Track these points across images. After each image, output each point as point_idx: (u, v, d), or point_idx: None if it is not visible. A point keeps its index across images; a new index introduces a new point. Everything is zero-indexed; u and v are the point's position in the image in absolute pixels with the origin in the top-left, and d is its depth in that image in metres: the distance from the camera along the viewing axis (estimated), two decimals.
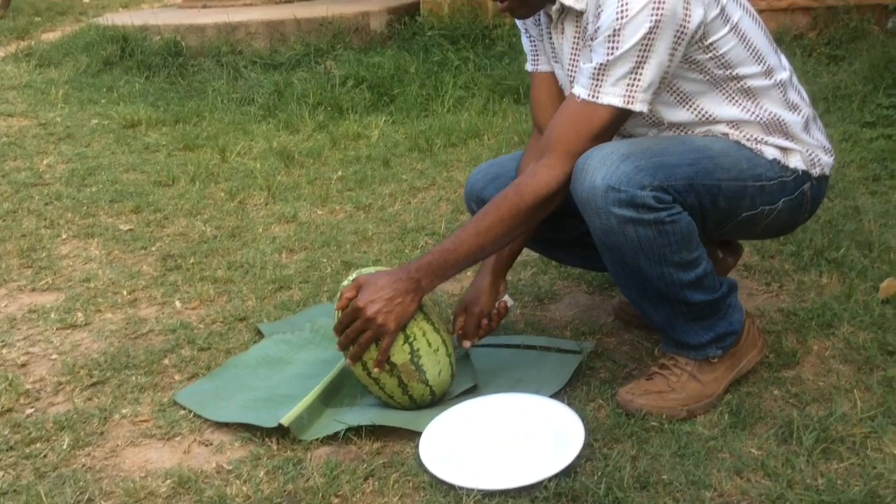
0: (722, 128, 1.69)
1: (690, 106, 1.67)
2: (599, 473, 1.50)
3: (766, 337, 1.89)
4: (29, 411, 1.85)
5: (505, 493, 1.47)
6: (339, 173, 3.48)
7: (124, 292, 2.44)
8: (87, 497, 1.55)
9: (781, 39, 4.66)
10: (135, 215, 3.09)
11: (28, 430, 1.76)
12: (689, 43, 1.56)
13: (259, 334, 2.15)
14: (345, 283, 1.72)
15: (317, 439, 1.66)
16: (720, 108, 1.67)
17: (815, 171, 1.74)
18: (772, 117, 1.68)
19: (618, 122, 1.61)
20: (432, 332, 1.70)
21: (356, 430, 1.67)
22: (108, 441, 1.72)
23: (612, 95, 1.56)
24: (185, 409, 1.81)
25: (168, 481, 1.57)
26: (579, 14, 1.65)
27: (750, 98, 1.67)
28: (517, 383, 1.81)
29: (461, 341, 1.86)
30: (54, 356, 2.09)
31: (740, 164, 1.65)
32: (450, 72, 4.85)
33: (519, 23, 1.87)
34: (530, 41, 1.88)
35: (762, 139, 1.69)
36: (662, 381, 1.71)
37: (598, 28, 1.56)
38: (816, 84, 4.06)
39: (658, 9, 1.49)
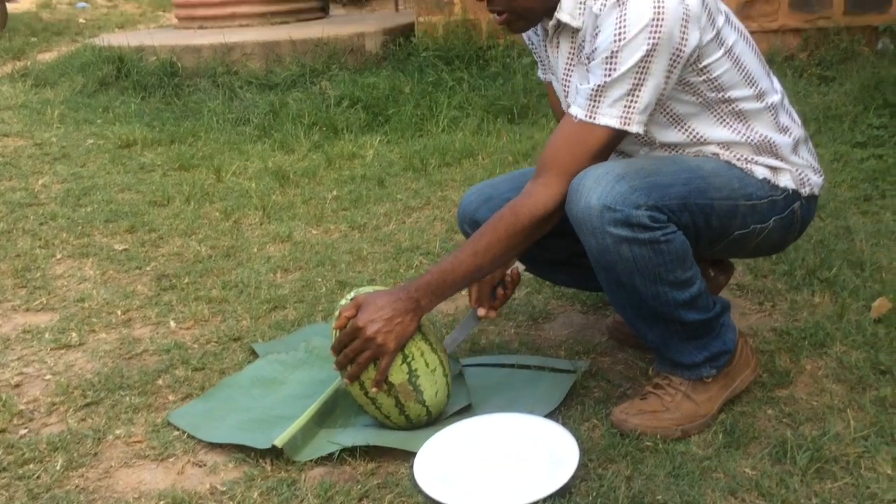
0: (713, 148, 1.70)
1: (682, 127, 1.69)
2: (594, 494, 1.50)
3: (760, 356, 1.90)
4: (22, 432, 1.84)
5: None
6: (334, 193, 3.49)
7: (119, 312, 2.44)
8: None
9: (773, 60, 4.70)
10: (130, 235, 3.09)
11: (21, 450, 1.75)
12: (685, 65, 1.58)
13: (253, 354, 2.15)
14: (343, 301, 1.72)
15: (311, 460, 1.66)
16: (711, 129, 1.69)
17: (805, 191, 1.76)
18: (762, 139, 1.70)
19: (614, 143, 1.62)
20: (430, 352, 1.70)
21: (350, 451, 1.67)
22: (101, 462, 1.72)
23: (610, 117, 1.57)
24: (178, 429, 1.81)
25: (162, 502, 1.57)
26: (575, 31, 1.67)
27: (741, 121, 1.69)
28: (511, 403, 1.81)
29: (478, 310, 1.86)
30: (48, 376, 2.09)
31: (732, 183, 1.67)
32: (444, 92, 4.88)
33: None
34: (535, 50, 1.90)
35: (752, 159, 1.70)
36: (657, 401, 1.71)
37: (596, 49, 1.57)
38: (807, 104, 4.09)
39: (655, 32, 1.51)
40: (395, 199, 3.38)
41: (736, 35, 1.65)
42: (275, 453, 1.67)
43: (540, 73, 1.96)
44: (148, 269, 2.77)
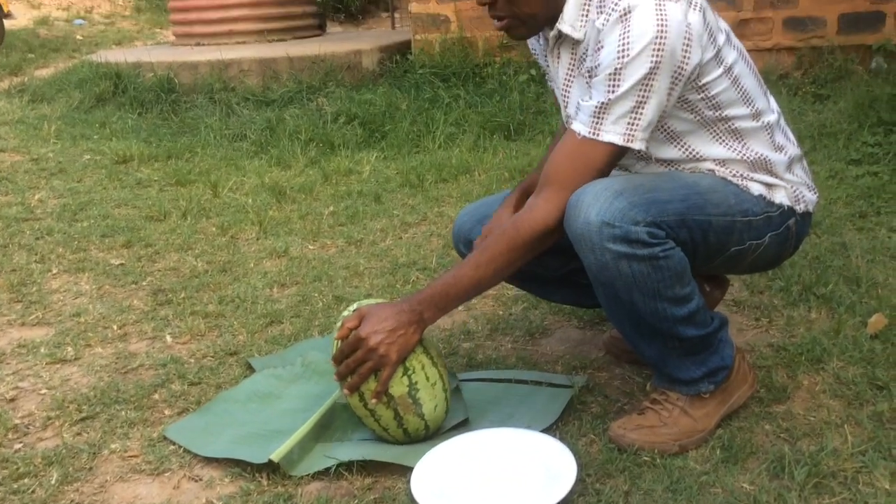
0: (708, 164, 1.71)
1: (679, 144, 1.70)
2: None
3: (757, 372, 1.90)
4: (17, 446, 1.83)
5: None
6: (331, 208, 3.50)
7: (115, 327, 2.43)
8: None
9: (767, 79, 4.69)
10: (126, 250, 3.09)
11: (16, 465, 1.74)
12: (685, 83, 1.59)
13: (250, 369, 2.14)
14: (345, 313, 1.72)
15: (308, 475, 1.65)
16: (708, 147, 1.70)
17: (800, 208, 1.77)
18: (758, 157, 1.71)
19: (616, 160, 1.63)
20: (431, 365, 1.70)
21: (347, 466, 1.66)
22: (97, 476, 1.71)
23: (613, 133, 1.58)
24: (174, 444, 1.80)
25: None
26: (576, 42, 1.68)
27: (737, 139, 1.70)
28: (508, 418, 1.81)
29: None
30: (43, 391, 2.08)
31: (728, 199, 1.67)
32: (441, 109, 4.89)
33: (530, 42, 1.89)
34: (538, 59, 1.91)
35: (748, 175, 1.71)
36: (654, 416, 1.71)
37: (599, 65, 1.58)
38: (802, 122, 4.11)
39: (659, 50, 1.52)
40: (392, 214, 3.38)
41: (735, 54, 1.66)
42: (271, 468, 1.66)
43: (548, 80, 1.96)
44: (144, 283, 2.77)
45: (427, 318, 1.66)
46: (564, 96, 1.76)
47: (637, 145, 1.59)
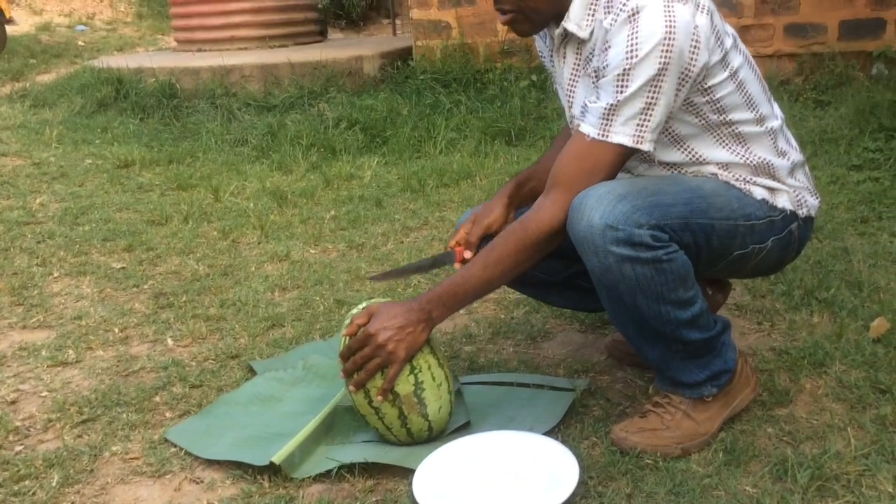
0: (711, 168, 1.71)
1: (683, 147, 1.70)
2: None
3: (759, 375, 1.89)
4: (18, 448, 1.83)
5: None
6: (332, 213, 3.50)
7: (116, 330, 2.43)
8: None
9: (769, 84, 4.73)
10: (127, 254, 3.09)
11: (17, 467, 1.73)
12: (691, 85, 1.59)
13: (251, 372, 2.14)
14: (354, 311, 1.72)
15: (309, 477, 1.65)
16: (711, 150, 1.70)
17: (802, 212, 1.77)
18: (760, 161, 1.71)
19: (624, 161, 1.62)
20: (437, 366, 1.70)
21: (349, 468, 1.66)
22: (97, 479, 1.70)
23: (623, 135, 1.58)
24: (175, 446, 1.80)
25: None
26: (581, 41, 1.68)
27: (740, 143, 1.70)
28: (510, 421, 1.81)
29: (465, 253, 1.83)
30: (45, 393, 2.07)
31: (731, 203, 1.67)
32: (442, 114, 4.90)
33: (538, 41, 1.89)
34: (543, 58, 1.91)
35: (751, 179, 1.71)
36: (657, 419, 1.70)
37: (607, 66, 1.57)
38: (804, 128, 4.12)
39: (668, 50, 1.52)
40: (393, 219, 3.39)
41: (741, 59, 1.66)
42: (272, 470, 1.66)
43: (553, 84, 1.96)
44: (145, 287, 2.76)
45: (436, 316, 1.66)
46: (569, 96, 1.76)
47: (646, 146, 1.59)
